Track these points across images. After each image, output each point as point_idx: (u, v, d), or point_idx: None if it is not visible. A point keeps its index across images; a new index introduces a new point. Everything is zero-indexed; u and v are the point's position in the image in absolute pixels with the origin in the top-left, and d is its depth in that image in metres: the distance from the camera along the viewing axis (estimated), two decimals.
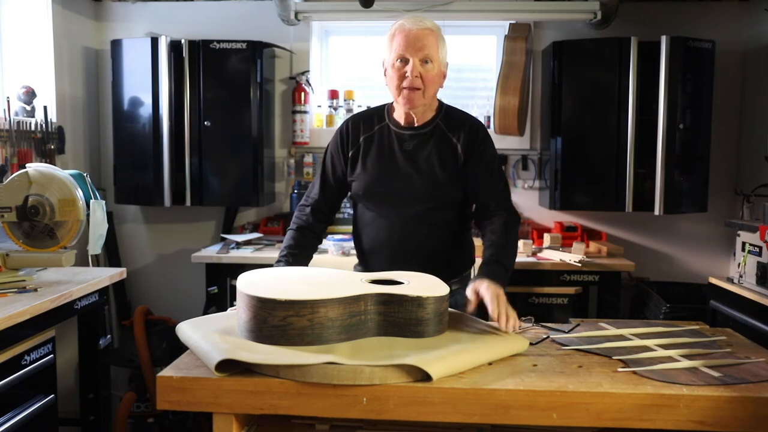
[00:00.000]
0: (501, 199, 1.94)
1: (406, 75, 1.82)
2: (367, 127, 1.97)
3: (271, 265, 1.83)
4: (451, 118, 1.95)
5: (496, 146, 2.01)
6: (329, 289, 1.46)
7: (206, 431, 3.01)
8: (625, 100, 3.33)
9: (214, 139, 3.50)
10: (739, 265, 2.89)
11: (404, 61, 1.83)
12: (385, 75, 1.92)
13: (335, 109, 3.74)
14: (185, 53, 3.47)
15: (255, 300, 1.41)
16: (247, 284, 1.49)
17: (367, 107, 2.30)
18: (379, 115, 1.99)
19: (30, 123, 3.18)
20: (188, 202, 3.52)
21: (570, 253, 3.25)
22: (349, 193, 2.02)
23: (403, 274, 1.65)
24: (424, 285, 1.55)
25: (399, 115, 1.94)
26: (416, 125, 1.92)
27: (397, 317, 1.47)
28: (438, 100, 1.96)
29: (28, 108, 3.21)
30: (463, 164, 1.91)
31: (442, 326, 1.52)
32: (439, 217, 1.93)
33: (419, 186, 1.89)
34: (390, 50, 1.86)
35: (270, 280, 1.56)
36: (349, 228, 2.32)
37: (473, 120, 1.99)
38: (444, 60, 1.90)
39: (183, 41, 3.47)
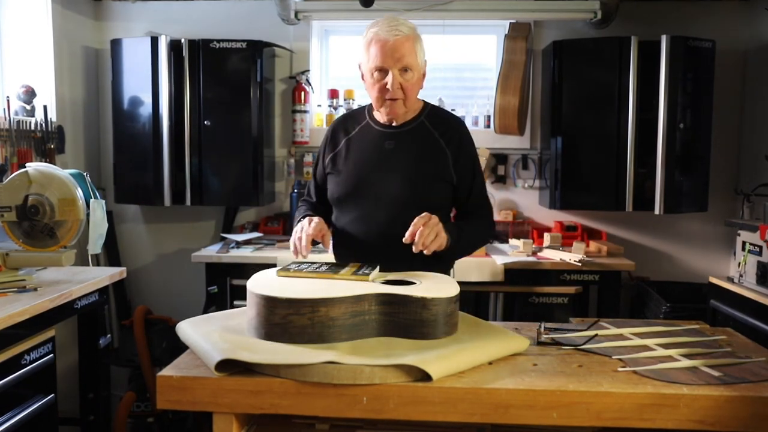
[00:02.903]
0: (482, 197, 1.97)
1: (387, 87, 1.79)
2: (349, 129, 1.97)
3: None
4: (436, 116, 1.95)
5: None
6: (332, 288, 1.46)
7: (206, 431, 3.01)
8: (625, 100, 3.33)
9: (214, 138, 3.49)
10: (739, 264, 2.90)
11: (383, 71, 1.79)
12: (363, 79, 1.89)
13: (335, 108, 3.74)
14: (185, 53, 3.46)
15: (258, 297, 1.43)
16: (255, 281, 1.52)
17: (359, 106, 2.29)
18: (360, 114, 1.99)
19: (30, 122, 3.18)
20: (188, 202, 3.51)
21: (570, 252, 3.25)
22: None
23: (417, 274, 1.65)
24: (433, 286, 1.52)
25: (379, 115, 1.93)
26: (395, 124, 1.91)
27: (402, 318, 1.45)
28: (422, 100, 1.96)
29: (28, 107, 3.21)
30: (453, 163, 1.89)
31: (449, 328, 1.48)
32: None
33: (397, 185, 1.85)
34: (367, 59, 1.81)
35: (278, 279, 1.57)
36: None
37: (457, 119, 2.02)
38: (423, 61, 1.86)
39: (183, 41, 3.47)
